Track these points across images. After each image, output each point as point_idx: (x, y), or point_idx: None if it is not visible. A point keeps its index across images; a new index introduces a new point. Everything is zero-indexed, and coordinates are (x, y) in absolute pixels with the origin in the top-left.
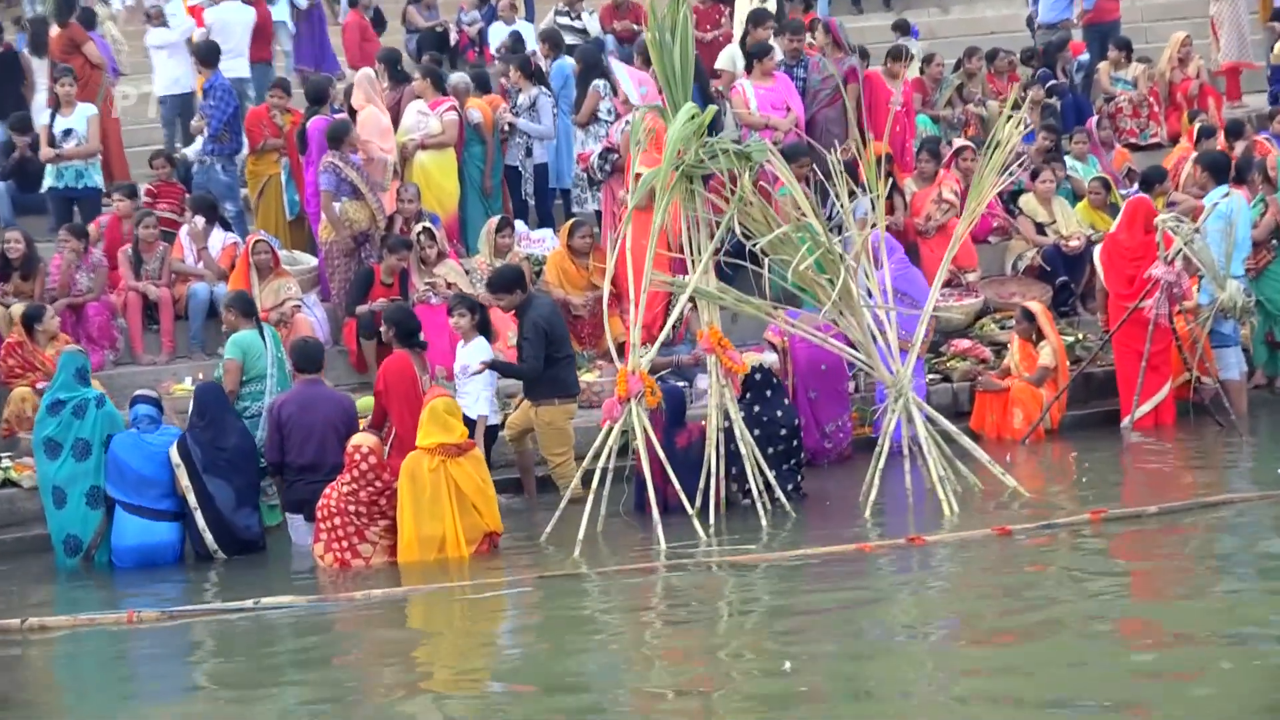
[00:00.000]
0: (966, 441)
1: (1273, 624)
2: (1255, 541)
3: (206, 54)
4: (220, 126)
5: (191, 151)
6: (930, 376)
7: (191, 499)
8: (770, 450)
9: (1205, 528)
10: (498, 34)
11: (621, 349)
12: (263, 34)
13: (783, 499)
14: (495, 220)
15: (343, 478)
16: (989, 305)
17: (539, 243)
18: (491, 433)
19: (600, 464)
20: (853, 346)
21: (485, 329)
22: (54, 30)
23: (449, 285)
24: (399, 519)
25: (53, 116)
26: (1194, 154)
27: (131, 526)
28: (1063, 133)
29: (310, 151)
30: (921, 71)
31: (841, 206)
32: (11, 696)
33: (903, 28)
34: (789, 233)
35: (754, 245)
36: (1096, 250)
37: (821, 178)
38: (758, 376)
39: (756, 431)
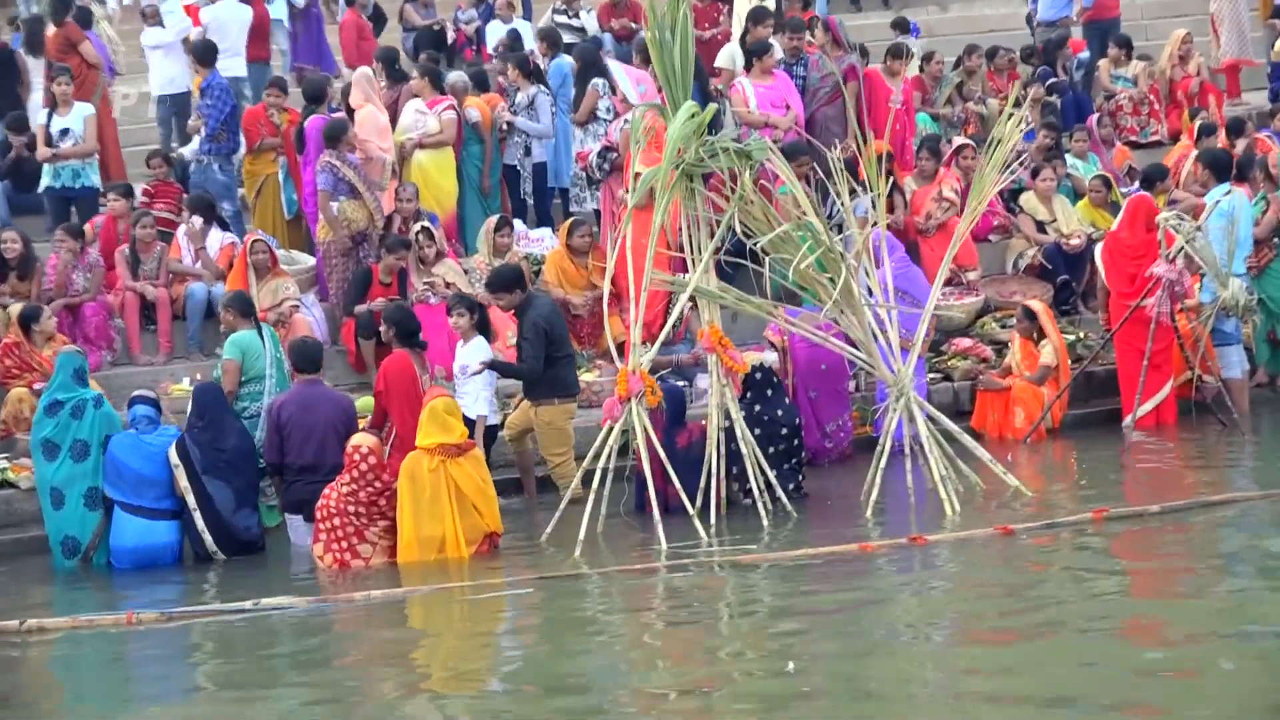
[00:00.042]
0: (968, 441)
1: (1275, 623)
2: (1258, 540)
3: (203, 53)
4: (217, 126)
5: (188, 151)
6: (931, 375)
7: (190, 500)
8: (771, 450)
9: (1208, 527)
10: (494, 32)
11: (621, 348)
12: (260, 33)
13: (784, 499)
14: (494, 219)
15: (342, 478)
16: (990, 304)
17: (537, 242)
18: (491, 433)
19: (600, 464)
20: (854, 345)
21: (484, 328)
22: (50, 29)
23: (447, 285)
24: (399, 519)
25: (50, 116)
26: (1195, 151)
27: (130, 527)
28: (1063, 131)
29: (308, 151)
30: (921, 69)
31: (842, 205)
32: (11, 697)
33: (902, 25)
34: (790, 231)
35: (755, 244)
36: (1098, 249)
37: (822, 176)
38: (758, 376)
39: (757, 431)
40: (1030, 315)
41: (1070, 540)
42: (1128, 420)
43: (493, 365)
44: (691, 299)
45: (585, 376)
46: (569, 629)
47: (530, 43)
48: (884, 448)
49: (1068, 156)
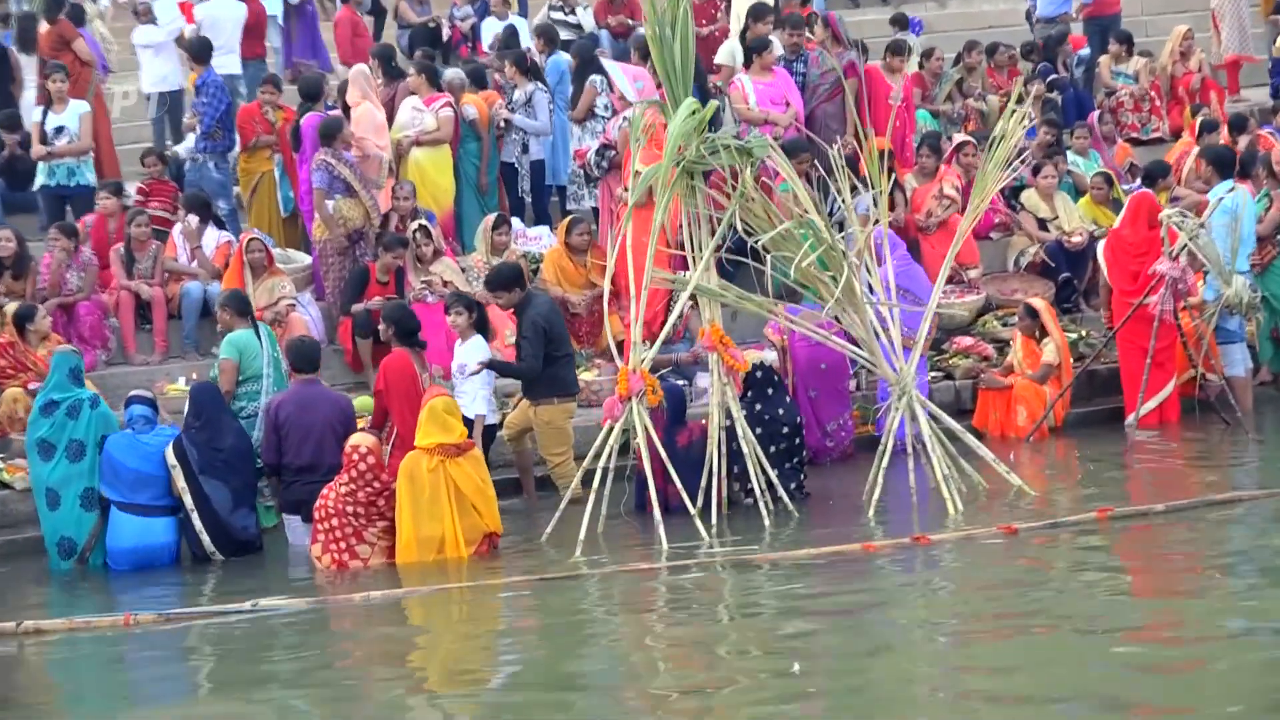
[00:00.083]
0: (970, 440)
1: (1278, 621)
2: (1262, 539)
3: (199, 50)
4: (213, 124)
5: (183, 149)
6: (932, 374)
7: (188, 500)
8: (772, 449)
9: (1211, 526)
10: (490, 29)
11: (621, 347)
12: (257, 30)
13: (785, 498)
14: (492, 217)
15: (341, 478)
16: (991, 302)
17: (535, 240)
18: (489, 432)
19: (601, 463)
20: (855, 344)
21: (483, 327)
22: (43, 26)
23: (445, 283)
24: (398, 520)
25: (45, 114)
26: (1196, 148)
27: (128, 528)
28: (1064, 127)
29: (304, 149)
30: (921, 66)
31: (844, 202)
32: (9, 699)
33: (900, 22)
34: (791, 229)
35: (756, 242)
36: (1099, 246)
37: (822, 173)
38: (759, 374)
39: (758, 430)
40: (1032, 313)
41: (1074, 540)
42: (1130, 419)
43: (491, 365)
44: (691, 297)
45: (584, 376)
46: (570, 629)
47: (527, 40)
48: (886, 446)
49: (1069, 153)
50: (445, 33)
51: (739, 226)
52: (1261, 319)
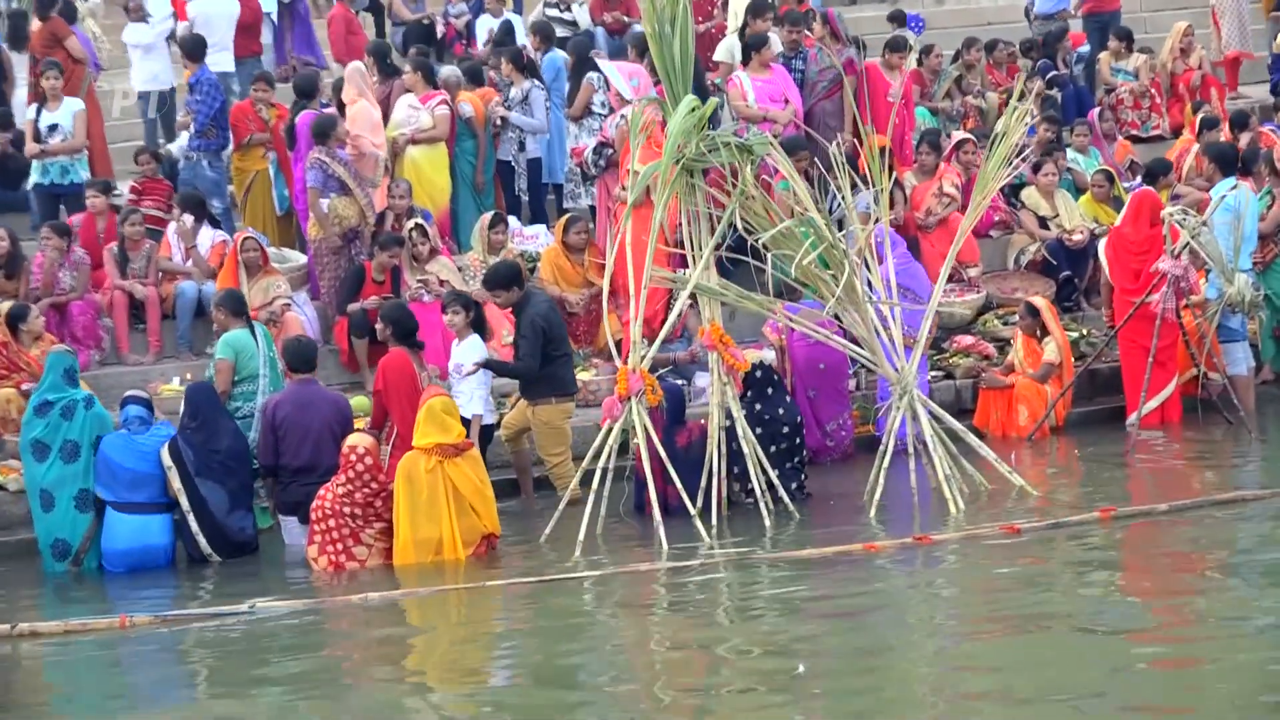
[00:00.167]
0: (972, 439)
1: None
2: (1265, 539)
3: (192, 48)
4: (206, 122)
5: (176, 148)
6: (933, 373)
7: (184, 501)
8: (772, 449)
9: (1214, 525)
10: (484, 26)
11: (620, 346)
12: (252, 28)
13: (785, 498)
14: (488, 216)
15: (338, 479)
16: (991, 300)
17: (532, 239)
18: (486, 433)
19: (600, 464)
20: (856, 343)
21: (480, 326)
22: (34, 24)
23: (441, 282)
24: (395, 521)
25: (38, 111)
26: (1197, 146)
27: (124, 528)
28: (1064, 125)
29: (299, 147)
30: (920, 63)
31: (844, 200)
32: (5, 701)
33: (899, 19)
34: (791, 227)
35: (756, 240)
36: (1100, 244)
37: (822, 171)
38: (758, 374)
39: (758, 430)
40: (1033, 312)
41: (1077, 539)
42: (1132, 418)
43: (488, 365)
44: (690, 296)
45: (582, 375)
46: (570, 630)
47: (522, 37)
48: (887, 446)
49: (1069, 151)
50: (440, 29)
51: (739, 225)
52: (1264, 317)
